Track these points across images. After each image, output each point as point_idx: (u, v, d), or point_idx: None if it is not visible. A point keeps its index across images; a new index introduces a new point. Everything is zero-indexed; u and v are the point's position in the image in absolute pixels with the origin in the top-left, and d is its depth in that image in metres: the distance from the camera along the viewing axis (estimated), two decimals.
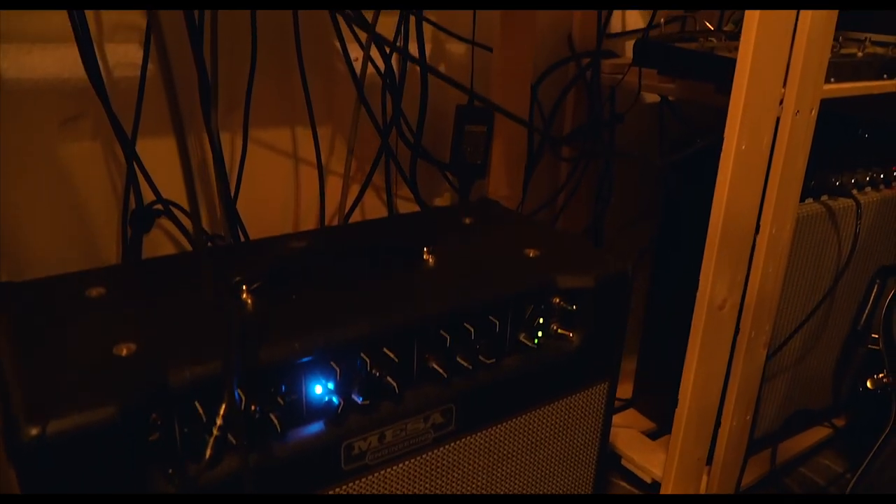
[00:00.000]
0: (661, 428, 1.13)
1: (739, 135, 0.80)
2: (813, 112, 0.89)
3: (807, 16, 0.81)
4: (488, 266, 0.71)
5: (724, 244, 0.82)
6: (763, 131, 0.83)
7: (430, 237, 0.75)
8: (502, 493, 0.72)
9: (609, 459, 1.04)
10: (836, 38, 1.13)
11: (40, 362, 0.49)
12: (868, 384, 1.05)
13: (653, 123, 1.22)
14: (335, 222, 1.01)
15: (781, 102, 0.85)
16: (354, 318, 0.59)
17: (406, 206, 1.05)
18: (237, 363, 0.50)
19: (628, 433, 1.12)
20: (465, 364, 0.64)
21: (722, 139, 0.82)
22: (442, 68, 1.02)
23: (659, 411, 1.14)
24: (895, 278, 1.09)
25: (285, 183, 0.96)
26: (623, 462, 1.07)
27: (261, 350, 0.53)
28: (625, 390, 1.20)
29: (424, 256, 0.71)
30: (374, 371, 0.59)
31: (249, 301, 0.61)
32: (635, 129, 1.18)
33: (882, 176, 1.12)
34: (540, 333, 0.71)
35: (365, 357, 0.58)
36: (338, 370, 0.57)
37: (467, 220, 0.83)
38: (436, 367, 0.62)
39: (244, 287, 0.61)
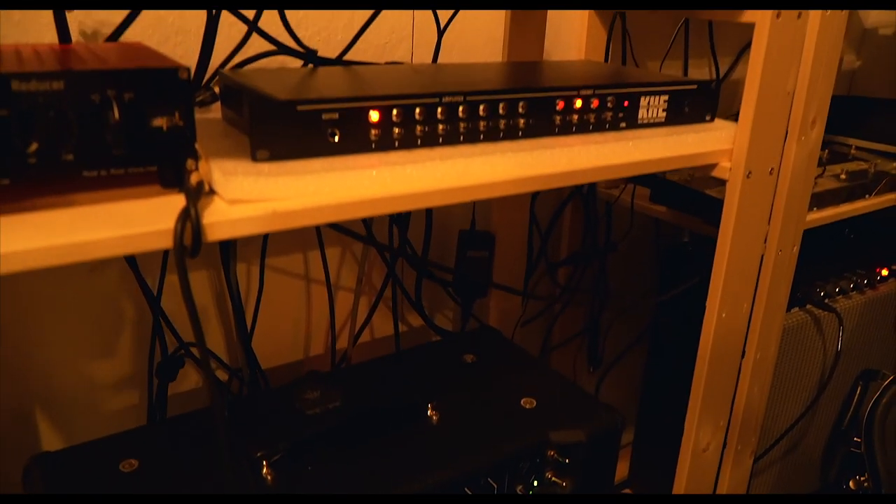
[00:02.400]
0: None
1: (727, 275, 0.85)
2: (795, 248, 0.94)
3: (790, 155, 0.86)
4: (488, 422, 0.76)
5: (708, 392, 0.87)
6: (748, 269, 0.88)
7: (433, 385, 0.81)
8: None
9: None
10: (823, 146, 1.19)
11: None
12: (850, 485, 1.10)
13: (648, 230, 1.28)
14: (345, 334, 1.07)
15: (766, 241, 0.91)
16: (363, 489, 0.64)
17: (412, 316, 1.10)
18: None
19: None
20: None
21: (709, 278, 0.87)
22: None
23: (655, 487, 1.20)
24: (877, 382, 1.14)
25: (297, 305, 1.02)
26: None
27: None
28: (621, 467, 1.26)
29: (429, 413, 0.77)
30: None
31: (270, 477, 0.67)
32: (631, 239, 1.24)
33: (866, 281, 1.17)
34: (535, 483, 0.76)
35: None
36: None
37: (469, 359, 0.89)
38: None
39: (264, 462, 0.67)
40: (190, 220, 0.44)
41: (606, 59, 1.03)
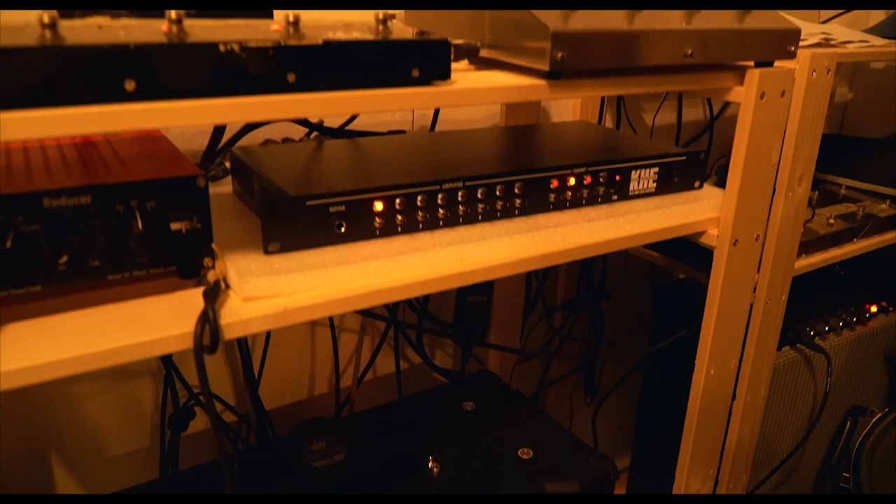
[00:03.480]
0: None
1: (715, 332, 0.89)
2: (783, 296, 0.97)
3: (777, 211, 0.89)
4: (486, 474, 0.80)
5: (697, 442, 0.90)
6: (737, 322, 0.91)
7: (434, 435, 0.85)
8: None
9: None
10: (814, 186, 1.22)
11: None
12: None
13: (644, 270, 1.31)
14: (348, 373, 1.10)
15: (755, 290, 0.94)
16: None
17: (415, 354, 1.14)
18: None
19: None
20: None
21: (699, 328, 0.90)
22: None
23: None
24: (866, 418, 1.18)
25: (302, 346, 1.05)
26: None
27: None
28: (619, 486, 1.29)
29: (430, 465, 0.80)
30: None
31: None
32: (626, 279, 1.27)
33: (855, 319, 1.21)
34: None
35: None
36: None
37: (468, 406, 0.92)
38: None
39: None
40: (209, 323, 0.47)
41: (601, 111, 1.06)
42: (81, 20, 0.47)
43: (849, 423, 1.19)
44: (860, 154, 1.32)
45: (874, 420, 1.16)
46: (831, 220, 1.11)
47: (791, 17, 1.15)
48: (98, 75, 0.40)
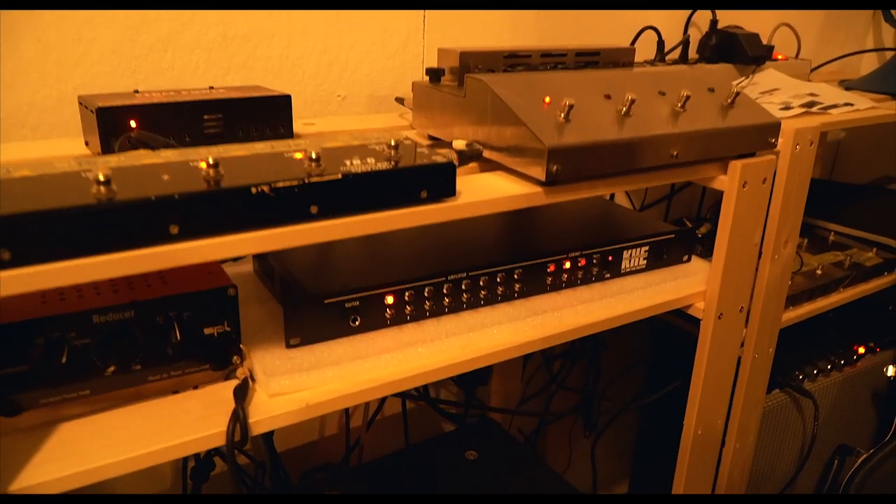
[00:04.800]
0: None
1: (705, 381, 0.94)
2: (771, 349, 1.03)
3: (764, 272, 0.94)
4: None
5: (688, 487, 0.95)
6: (724, 378, 0.96)
7: (438, 486, 0.90)
8: None
9: None
10: (805, 232, 1.27)
11: None
12: None
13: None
14: (358, 413, 1.16)
15: (742, 345, 0.99)
16: None
17: None
18: None
19: None
20: None
21: (689, 384, 0.96)
22: None
23: None
24: (853, 458, 1.23)
25: None
26: None
27: None
28: None
29: None
30: None
31: None
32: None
33: (843, 361, 1.26)
34: None
35: None
36: None
37: (471, 456, 0.97)
38: None
39: None
40: (239, 422, 0.53)
41: None
42: (126, 155, 0.52)
43: (836, 463, 1.24)
44: (849, 200, 1.37)
45: (860, 461, 1.21)
46: (819, 271, 1.16)
47: (779, 73, 1.21)
48: (147, 224, 0.45)
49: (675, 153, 0.67)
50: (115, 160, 0.51)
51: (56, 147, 0.70)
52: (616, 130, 0.64)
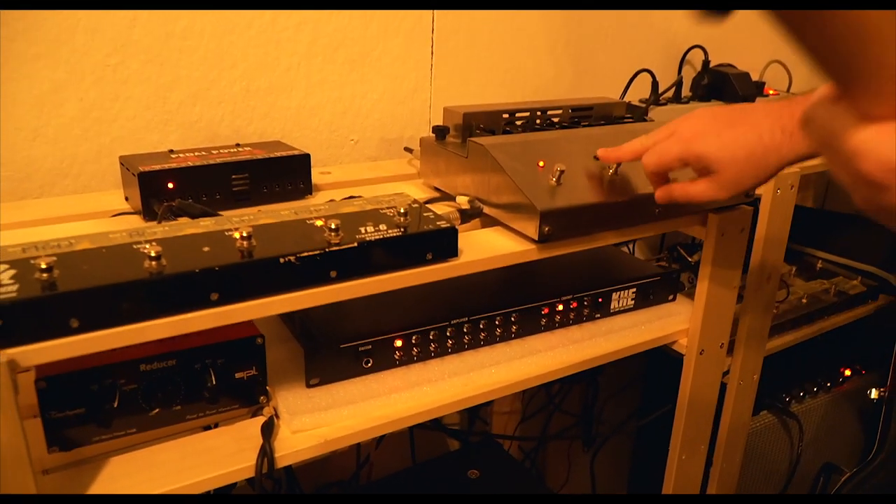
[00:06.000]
0: None
1: (688, 410, 1.01)
2: (755, 376, 1.09)
3: (748, 303, 1.01)
4: None
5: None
6: (707, 406, 1.03)
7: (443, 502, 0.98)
8: None
9: None
10: (794, 259, 1.34)
11: None
12: None
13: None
14: None
15: (726, 374, 1.06)
16: None
17: None
18: None
19: None
20: None
21: (674, 408, 1.02)
22: None
23: None
24: (837, 476, 1.29)
25: None
26: None
27: None
28: None
29: None
30: None
31: None
32: None
33: (829, 384, 1.32)
34: None
35: None
36: None
37: (473, 474, 1.05)
38: None
39: None
40: (266, 457, 0.60)
41: None
42: (170, 225, 0.60)
43: (822, 481, 1.30)
44: (838, 229, 1.44)
45: (843, 479, 1.28)
46: (804, 300, 1.23)
47: None
48: (193, 293, 0.53)
49: (658, 210, 0.74)
50: (161, 231, 0.58)
51: (100, 202, 0.77)
52: (603, 193, 0.72)
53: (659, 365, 1.37)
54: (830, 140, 0.38)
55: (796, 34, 0.35)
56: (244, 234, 0.56)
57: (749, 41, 1.43)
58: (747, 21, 1.43)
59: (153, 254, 0.52)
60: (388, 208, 0.66)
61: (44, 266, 0.49)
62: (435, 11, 1.04)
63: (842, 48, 0.33)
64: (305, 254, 0.57)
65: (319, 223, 0.61)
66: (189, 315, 0.53)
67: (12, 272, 0.50)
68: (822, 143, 0.39)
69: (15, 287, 0.48)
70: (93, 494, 0.56)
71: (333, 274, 0.58)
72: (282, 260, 0.56)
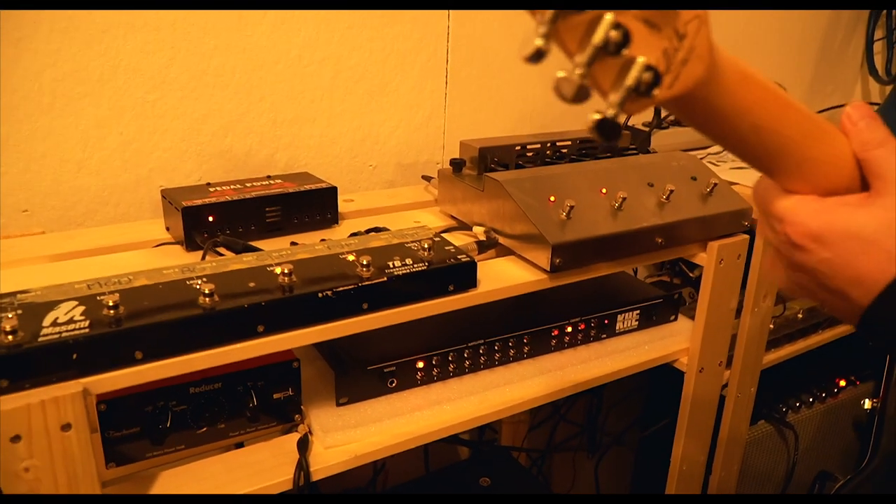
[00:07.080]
0: None
1: (689, 424, 1.06)
2: (752, 389, 1.15)
3: (745, 320, 1.06)
4: None
5: None
6: (707, 418, 1.09)
7: None
8: None
9: None
10: None
11: None
12: None
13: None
14: None
15: (725, 387, 1.11)
16: None
17: None
18: None
19: None
20: None
21: (675, 420, 1.08)
22: None
23: None
24: (831, 484, 1.35)
25: None
26: None
27: None
28: None
29: None
30: None
31: None
32: None
33: (824, 394, 1.38)
34: None
35: None
36: None
37: (484, 482, 1.11)
38: None
39: None
40: (303, 471, 0.66)
41: None
42: (217, 261, 0.66)
43: (816, 487, 1.36)
44: None
45: (838, 486, 1.33)
46: (800, 315, 1.28)
47: None
48: (242, 325, 0.59)
49: (661, 241, 0.80)
50: (210, 267, 0.64)
51: (141, 231, 0.83)
52: (609, 225, 0.78)
53: (660, 376, 1.43)
54: (764, 206, 0.46)
55: (721, 144, 0.44)
56: (286, 271, 0.62)
57: (748, 62, 1.48)
58: (748, 43, 1.49)
59: (207, 291, 0.58)
60: (412, 242, 0.72)
61: (111, 304, 0.55)
62: (449, 44, 1.10)
63: (755, 152, 0.43)
64: (341, 288, 0.62)
65: (351, 258, 0.67)
66: (238, 345, 0.59)
67: (82, 308, 0.56)
68: (759, 208, 0.47)
69: (87, 323, 0.54)
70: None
71: (365, 306, 0.64)
72: (320, 294, 0.62)
